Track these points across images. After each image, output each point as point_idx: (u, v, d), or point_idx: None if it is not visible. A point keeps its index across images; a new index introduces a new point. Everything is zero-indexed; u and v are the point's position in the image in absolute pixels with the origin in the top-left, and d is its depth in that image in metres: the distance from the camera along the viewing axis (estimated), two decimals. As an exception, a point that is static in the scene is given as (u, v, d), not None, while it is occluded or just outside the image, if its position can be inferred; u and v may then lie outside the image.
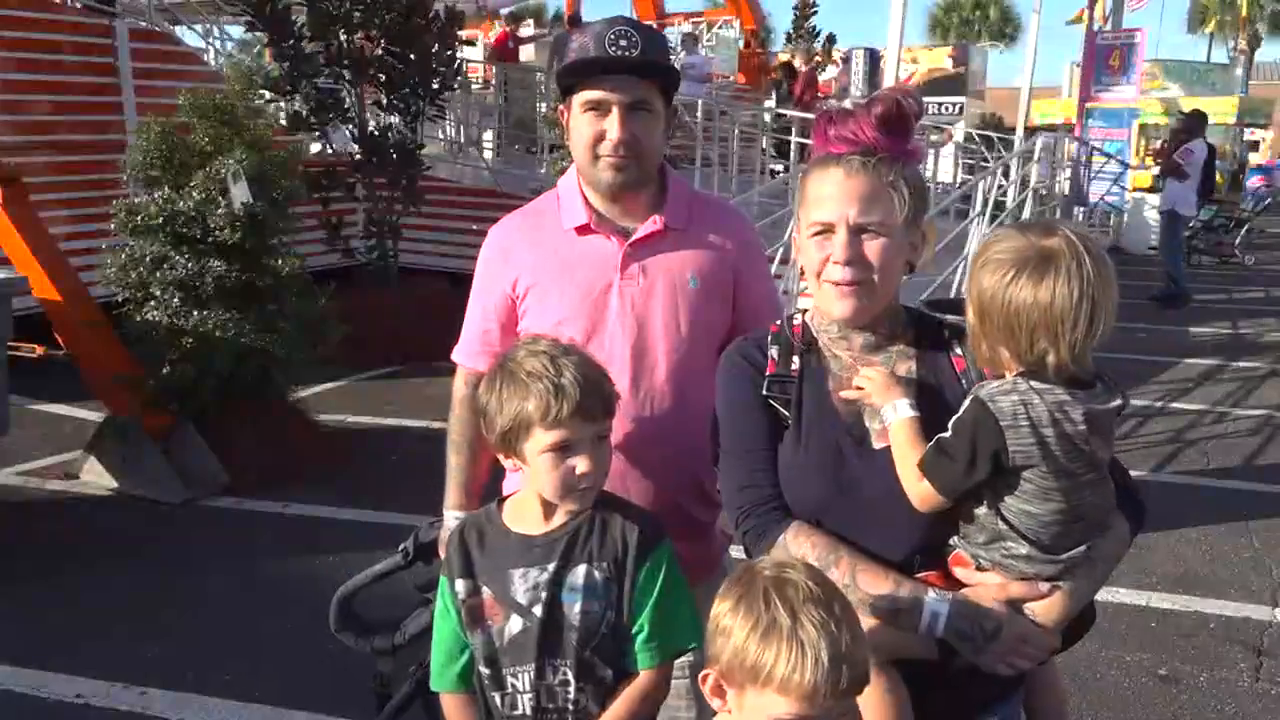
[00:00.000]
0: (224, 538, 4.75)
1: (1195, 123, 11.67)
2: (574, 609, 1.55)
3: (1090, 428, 1.35)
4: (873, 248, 1.47)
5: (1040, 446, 1.33)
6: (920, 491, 1.42)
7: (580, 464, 1.53)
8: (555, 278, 1.91)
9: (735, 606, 1.26)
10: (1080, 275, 1.31)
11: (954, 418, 1.40)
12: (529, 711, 1.58)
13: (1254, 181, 18.91)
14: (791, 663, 1.19)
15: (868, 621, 1.43)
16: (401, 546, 2.14)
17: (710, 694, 1.31)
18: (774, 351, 1.59)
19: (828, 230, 1.49)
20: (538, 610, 1.55)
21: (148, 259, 5.31)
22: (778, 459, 1.55)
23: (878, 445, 1.51)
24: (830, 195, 1.48)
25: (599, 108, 1.84)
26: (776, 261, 6.92)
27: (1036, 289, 1.31)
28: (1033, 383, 1.35)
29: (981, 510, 1.42)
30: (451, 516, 2.09)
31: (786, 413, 1.55)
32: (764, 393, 1.56)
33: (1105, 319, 1.33)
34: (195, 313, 5.28)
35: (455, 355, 2.11)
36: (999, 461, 1.35)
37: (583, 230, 1.92)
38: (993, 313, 1.36)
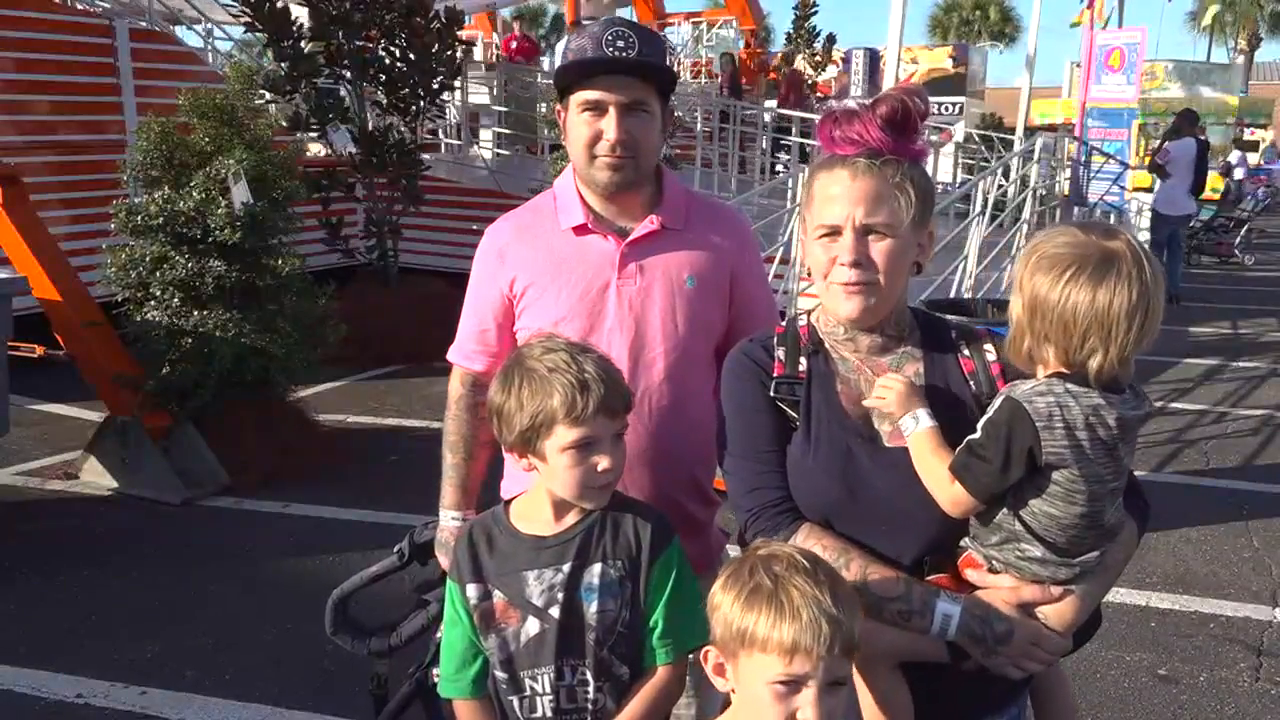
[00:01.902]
0: (224, 538, 4.75)
1: (1182, 122, 11.68)
2: (591, 608, 1.55)
3: (1121, 433, 1.35)
4: (879, 249, 1.47)
5: (1074, 449, 1.33)
6: (952, 495, 1.41)
7: (602, 461, 1.52)
8: (553, 277, 1.91)
9: (725, 582, 1.31)
10: (1140, 280, 1.31)
11: (984, 419, 1.39)
12: (549, 713, 1.58)
13: (1253, 182, 18.90)
14: (771, 620, 1.23)
15: (878, 624, 1.43)
16: (397, 548, 2.14)
17: (713, 673, 1.33)
18: (780, 353, 1.59)
19: (834, 232, 1.48)
20: (555, 611, 1.55)
21: (148, 259, 5.31)
22: (786, 461, 1.54)
23: (889, 445, 1.51)
24: (836, 197, 1.47)
25: (596, 108, 1.84)
26: (777, 261, 6.93)
27: (1096, 289, 1.31)
28: (1068, 385, 1.34)
29: (999, 511, 1.42)
30: (448, 516, 2.09)
31: (794, 414, 1.54)
32: (772, 394, 1.56)
33: (1154, 327, 1.33)
34: (195, 313, 5.29)
35: (451, 355, 2.10)
36: (1032, 460, 1.35)
37: (580, 230, 1.93)
38: (1046, 309, 1.34)
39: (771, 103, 15.74)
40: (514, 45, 14.34)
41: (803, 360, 1.57)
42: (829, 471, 1.50)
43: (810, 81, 17.38)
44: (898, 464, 1.47)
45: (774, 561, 1.29)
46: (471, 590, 1.59)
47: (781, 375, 1.57)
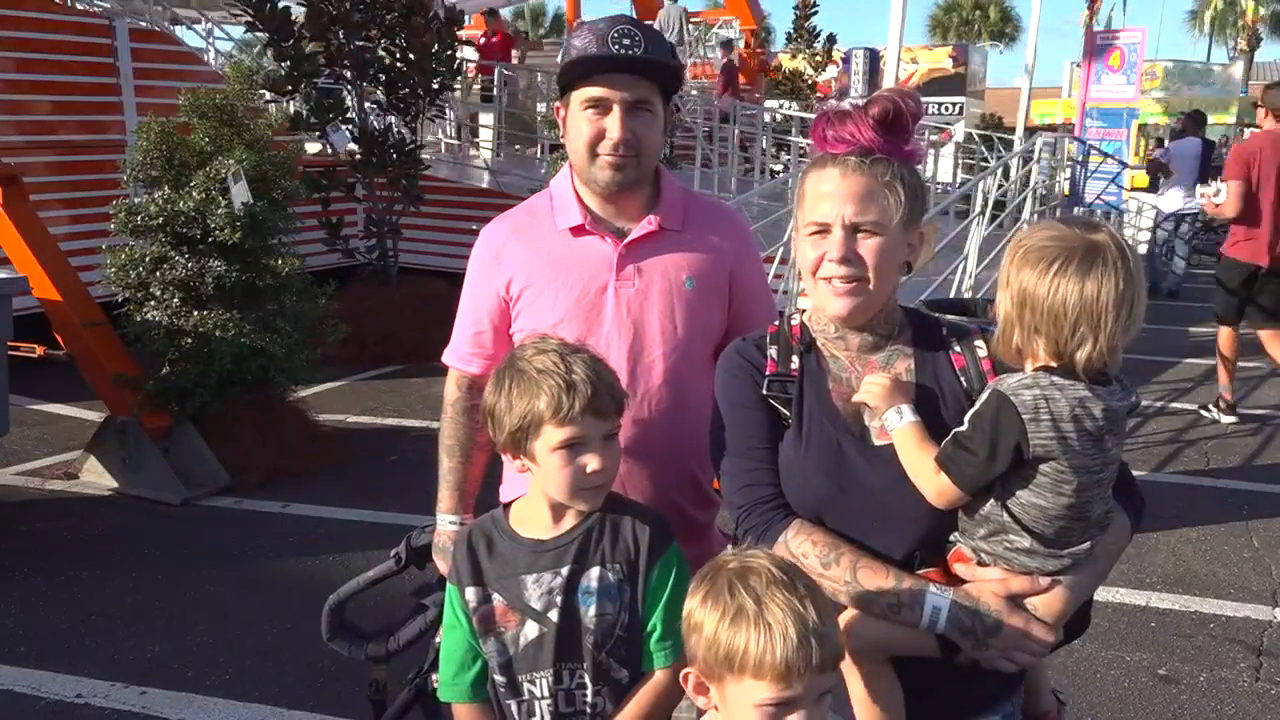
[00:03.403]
0: (224, 538, 4.75)
1: (1189, 122, 11.84)
2: (589, 612, 1.55)
3: (1108, 424, 1.36)
4: (868, 247, 1.48)
5: (1060, 441, 1.34)
6: (938, 486, 1.42)
7: (591, 462, 1.52)
8: (550, 279, 1.90)
9: (703, 601, 1.27)
10: (1125, 270, 1.33)
11: (971, 412, 1.41)
12: (548, 717, 1.58)
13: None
14: (761, 644, 1.20)
15: (868, 617, 1.44)
16: (394, 552, 2.13)
17: (694, 693, 1.31)
18: (773, 351, 1.60)
19: (824, 229, 1.49)
20: (553, 615, 1.55)
21: (148, 259, 5.31)
22: (778, 458, 1.55)
23: (878, 442, 1.52)
24: (827, 194, 1.49)
25: (599, 105, 1.82)
26: (776, 261, 6.93)
27: (1084, 280, 1.32)
28: (1054, 378, 1.35)
29: (986, 503, 1.42)
30: (445, 520, 2.08)
31: (787, 412, 1.55)
32: (764, 392, 1.57)
33: (1139, 317, 1.35)
34: (195, 313, 5.28)
35: (446, 358, 2.08)
36: (1019, 453, 1.36)
37: (577, 231, 1.91)
38: (1035, 301, 1.36)
39: (772, 103, 15.73)
40: (482, 41, 14.17)
41: (794, 358, 1.58)
42: (819, 468, 1.52)
43: (799, 72, 17.36)
44: (888, 460, 1.48)
45: (750, 576, 1.26)
46: (470, 594, 1.59)
47: (774, 373, 1.58)
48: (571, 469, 1.52)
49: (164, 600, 4.11)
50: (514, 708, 1.59)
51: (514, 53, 14.89)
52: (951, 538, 1.49)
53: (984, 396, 1.41)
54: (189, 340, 5.22)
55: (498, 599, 1.58)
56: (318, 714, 3.28)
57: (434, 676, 1.95)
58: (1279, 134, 6.36)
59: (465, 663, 1.62)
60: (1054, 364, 1.37)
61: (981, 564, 1.45)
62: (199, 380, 5.20)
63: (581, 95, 1.84)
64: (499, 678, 1.59)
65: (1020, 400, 1.35)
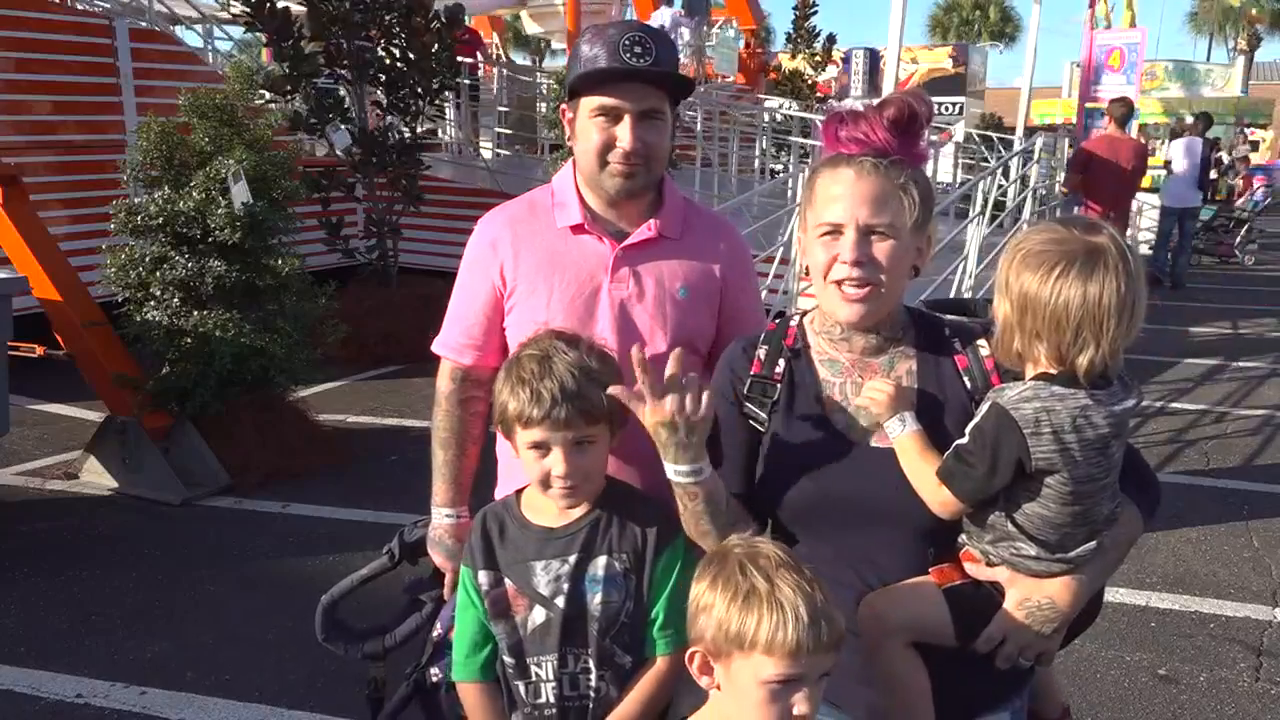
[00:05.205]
0: (224, 538, 4.75)
1: (1194, 122, 12.16)
2: (595, 599, 1.60)
3: (1112, 430, 1.35)
4: (881, 249, 1.47)
5: (1062, 453, 1.33)
6: (940, 498, 1.42)
7: (556, 466, 1.56)
8: (545, 276, 1.90)
9: (713, 582, 1.31)
10: (1126, 273, 1.32)
11: (972, 424, 1.40)
12: (552, 699, 1.63)
13: (1255, 180, 18.90)
14: (774, 623, 1.23)
15: (889, 601, 1.46)
16: (386, 548, 2.13)
17: (698, 672, 1.34)
18: (762, 353, 1.61)
19: (836, 231, 1.48)
20: (560, 601, 1.59)
21: (148, 259, 5.31)
22: (760, 461, 1.56)
23: (878, 445, 1.51)
24: (840, 196, 1.47)
25: (610, 114, 1.82)
26: (776, 261, 6.92)
27: (1086, 284, 1.31)
28: (1054, 388, 1.34)
29: (992, 512, 1.42)
30: (441, 514, 2.08)
31: (763, 414, 1.55)
32: (745, 393, 1.58)
33: (1140, 319, 1.34)
34: (195, 313, 5.28)
35: (437, 347, 2.07)
36: (1021, 467, 1.35)
37: (576, 229, 1.92)
38: (1037, 306, 1.34)
39: (772, 102, 15.69)
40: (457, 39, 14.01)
41: (780, 362, 1.58)
42: (804, 471, 1.52)
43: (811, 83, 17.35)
44: (886, 463, 1.47)
45: (759, 558, 1.29)
46: (484, 577, 1.64)
47: (757, 374, 1.58)
48: (539, 468, 1.58)
49: (164, 600, 4.11)
50: (521, 689, 1.64)
51: (486, 53, 14.81)
52: (959, 539, 1.49)
53: (984, 408, 1.39)
54: (189, 340, 5.21)
55: (509, 583, 1.63)
56: (318, 714, 3.28)
57: (432, 671, 1.96)
58: (1114, 137, 8.05)
59: (477, 644, 1.67)
60: (1054, 370, 1.35)
61: (990, 564, 1.45)
62: (199, 380, 5.20)
63: (592, 103, 1.83)
64: (508, 659, 1.64)
65: (1020, 414, 1.33)
